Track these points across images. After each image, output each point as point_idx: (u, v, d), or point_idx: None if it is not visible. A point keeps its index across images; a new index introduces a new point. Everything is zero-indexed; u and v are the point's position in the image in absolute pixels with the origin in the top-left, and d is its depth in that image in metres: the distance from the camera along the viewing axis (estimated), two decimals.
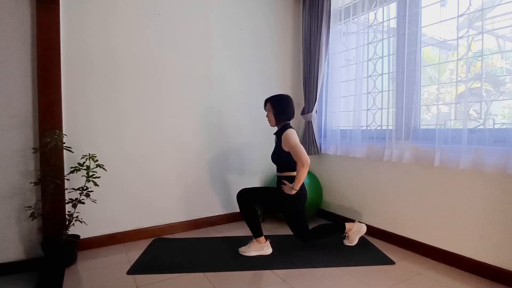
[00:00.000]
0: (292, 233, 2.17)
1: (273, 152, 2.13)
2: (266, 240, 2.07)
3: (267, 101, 2.12)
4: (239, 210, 1.93)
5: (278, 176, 2.12)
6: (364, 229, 2.18)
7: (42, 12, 1.87)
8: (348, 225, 2.16)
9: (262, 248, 2.04)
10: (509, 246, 1.65)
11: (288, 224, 2.16)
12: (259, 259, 1.98)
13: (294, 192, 1.94)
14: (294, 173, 1.96)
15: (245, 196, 2.03)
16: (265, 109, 2.15)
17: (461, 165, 1.76)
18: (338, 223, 2.32)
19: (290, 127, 2.05)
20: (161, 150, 2.39)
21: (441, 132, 1.90)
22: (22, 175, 1.85)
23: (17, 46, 1.83)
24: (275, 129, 2.17)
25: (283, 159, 2.03)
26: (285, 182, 2.00)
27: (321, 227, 2.21)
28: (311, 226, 2.59)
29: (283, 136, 1.99)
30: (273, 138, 2.24)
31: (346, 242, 2.19)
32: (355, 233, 2.16)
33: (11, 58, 1.82)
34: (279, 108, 2.06)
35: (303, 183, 2.01)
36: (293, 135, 1.96)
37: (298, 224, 2.11)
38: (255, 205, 2.05)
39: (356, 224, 2.18)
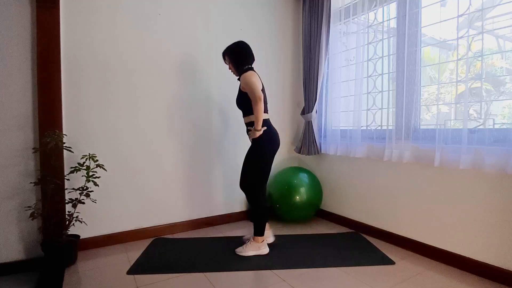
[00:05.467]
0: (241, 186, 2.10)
1: (236, 97, 2.12)
2: (264, 240, 2.07)
3: (224, 54, 2.13)
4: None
5: (245, 124, 2.11)
6: (264, 249, 2.07)
7: (42, 12, 1.87)
8: (268, 230, 2.19)
9: (259, 247, 2.03)
10: (509, 246, 1.65)
11: (241, 170, 2.07)
12: (259, 259, 1.98)
13: (258, 133, 1.93)
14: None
15: (246, 188, 2.06)
16: (225, 62, 2.16)
17: (461, 165, 1.76)
18: (264, 222, 2.11)
19: (251, 69, 2.04)
20: (162, 150, 2.39)
21: (441, 132, 1.90)
22: (22, 175, 1.85)
23: (17, 46, 1.83)
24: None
25: (244, 102, 2.01)
26: (250, 128, 2.00)
27: (266, 209, 2.10)
28: (310, 225, 2.63)
29: (241, 77, 2.01)
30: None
31: (245, 237, 2.25)
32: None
33: (11, 58, 1.82)
34: (237, 58, 2.07)
35: (274, 129, 2.05)
36: (250, 75, 1.96)
37: (250, 174, 2.03)
38: (260, 181, 2.03)
39: (268, 238, 2.18)
